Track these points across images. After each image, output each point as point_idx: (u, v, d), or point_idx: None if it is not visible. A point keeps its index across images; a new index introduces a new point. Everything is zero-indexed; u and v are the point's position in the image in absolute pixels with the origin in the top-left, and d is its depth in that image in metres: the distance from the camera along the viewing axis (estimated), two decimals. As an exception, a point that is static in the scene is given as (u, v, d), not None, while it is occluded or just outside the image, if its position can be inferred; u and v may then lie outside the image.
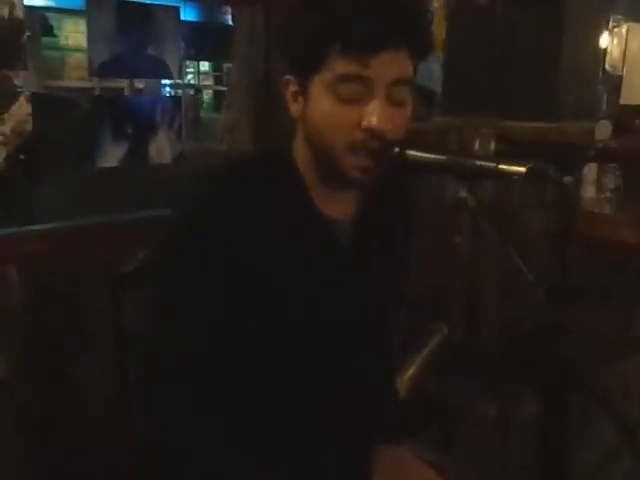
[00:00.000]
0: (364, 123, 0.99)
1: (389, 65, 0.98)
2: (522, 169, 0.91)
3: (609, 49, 3.68)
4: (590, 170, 2.91)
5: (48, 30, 7.35)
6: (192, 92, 7.96)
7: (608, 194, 2.85)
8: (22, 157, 1.83)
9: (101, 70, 1.95)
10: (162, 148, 2.09)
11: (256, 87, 2.46)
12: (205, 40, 7.98)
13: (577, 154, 0.84)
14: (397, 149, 1.01)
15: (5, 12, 1.79)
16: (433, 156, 1.00)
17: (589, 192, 2.89)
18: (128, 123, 2.01)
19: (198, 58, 8.00)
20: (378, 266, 1.17)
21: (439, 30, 4.61)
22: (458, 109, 2.99)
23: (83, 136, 2.00)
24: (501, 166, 0.93)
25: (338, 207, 1.12)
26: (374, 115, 0.98)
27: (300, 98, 1.03)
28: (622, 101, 3.55)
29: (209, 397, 1.05)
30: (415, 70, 1.03)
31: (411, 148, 1.01)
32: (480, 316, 2.29)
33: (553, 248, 2.12)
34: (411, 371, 1.89)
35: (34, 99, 1.86)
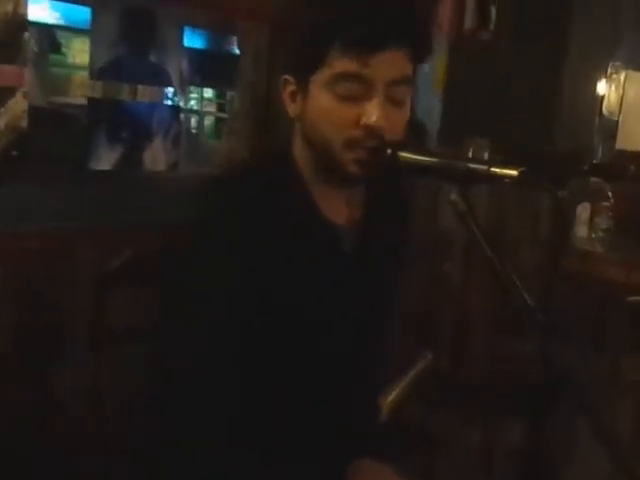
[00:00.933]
0: (362, 121, 0.98)
1: (388, 64, 0.98)
2: (514, 172, 0.90)
3: (607, 95, 3.73)
4: (584, 210, 2.92)
5: (56, 48, 7.45)
6: (195, 117, 8.04)
7: (600, 234, 2.86)
8: (15, 153, 1.82)
9: (101, 73, 1.95)
10: (157, 156, 2.09)
11: (256, 114, 2.49)
12: (210, 67, 8.10)
13: (572, 168, 0.83)
14: (389, 150, 1.00)
15: (9, 8, 1.80)
16: (425, 158, 0.99)
17: (582, 232, 2.90)
18: (124, 128, 2.01)
19: (202, 84, 8.11)
20: (379, 271, 1.16)
21: (440, 67, 4.68)
22: (455, 144, 3.01)
23: (80, 150, 2.00)
24: (493, 169, 0.91)
25: (341, 213, 1.11)
26: (373, 113, 0.98)
27: (298, 97, 1.03)
28: (618, 146, 3.59)
29: (211, 396, 1.02)
30: (415, 71, 1.03)
31: (403, 150, 0.99)
32: (467, 346, 2.26)
33: (544, 283, 2.11)
34: (393, 395, 1.87)
35: (36, 113, 1.86)
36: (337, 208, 1.10)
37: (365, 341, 1.17)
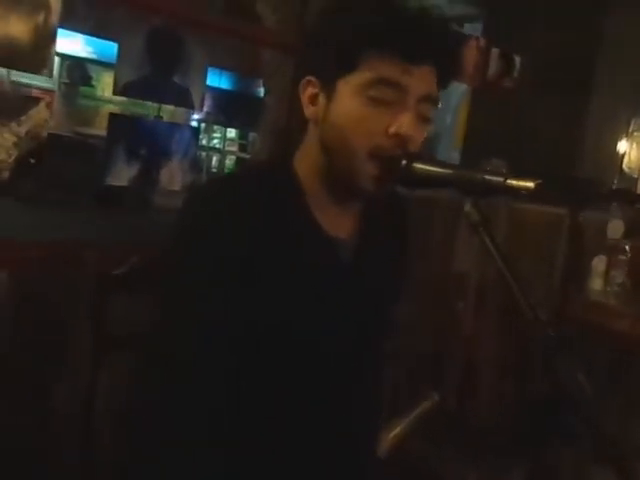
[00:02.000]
0: (392, 129, 0.97)
1: (424, 79, 0.99)
2: (530, 184, 0.88)
3: (627, 152, 3.73)
4: (600, 262, 2.87)
5: (86, 80, 7.62)
6: (217, 156, 8.17)
7: (615, 288, 2.81)
8: (32, 161, 1.84)
9: (125, 89, 1.98)
10: (174, 175, 2.09)
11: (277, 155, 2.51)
12: (235, 108, 8.21)
13: (591, 192, 0.81)
14: (404, 162, 0.98)
15: (41, 18, 1.83)
16: (441, 170, 0.97)
17: (597, 284, 2.85)
18: (142, 145, 2.02)
19: (226, 124, 8.23)
20: (377, 284, 1.14)
21: (461, 120, 4.71)
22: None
23: (98, 181, 2.02)
24: (509, 181, 0.90)
25: (338, 225, 1.09)
26: (404, 123, 0.97)
27: (320, 100, 1.02)
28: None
29: (209, 397, 1.00)
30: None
31: (418, 161, 0.98)
32: (475, 388, 2.21)
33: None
34: (395, 431, 1.83)
35: (62, 141, 1.88)
36: (335, 220, 1.08)
37: (362, 352, 1.14)
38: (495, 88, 2.87)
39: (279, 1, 3.38)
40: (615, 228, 3.11)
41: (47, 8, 1.82)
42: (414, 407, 1.97)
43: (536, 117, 3.34)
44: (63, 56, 6.66)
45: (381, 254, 1.15)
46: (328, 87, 1.00)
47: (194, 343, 1.00)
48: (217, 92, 7.24)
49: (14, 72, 2.25)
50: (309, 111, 1.03)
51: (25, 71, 1.80)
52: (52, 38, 1.82)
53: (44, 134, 1.85)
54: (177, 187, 2.09)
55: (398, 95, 0.97)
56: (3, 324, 1.62)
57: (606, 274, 2.84)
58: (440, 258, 2.72)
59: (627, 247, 2.84)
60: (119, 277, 1.36)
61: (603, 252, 2.92)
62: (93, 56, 7.70)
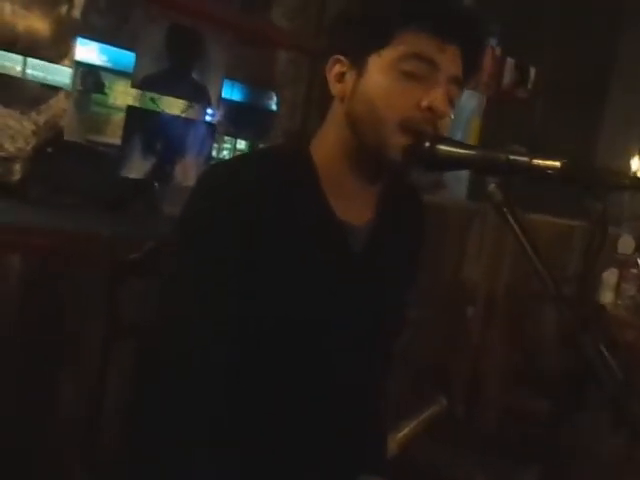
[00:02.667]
0: (424, 102, 0.98)
1: (455, 59, 1.01)
2: (557, 163, 0.87)
3: (639, 169, 3.72)
4: (611, 275, 2.87)
5: (99, 88, 7.67)
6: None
7: (627, 301, 2.80)
8: (50, 150, 1.84)
9: (144, 83, 1.99)
10: (188, 170, 2.10)
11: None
12: (246, 120, 8.25)
13: (613, 180, 0.81)
14: (428, 144, 0.98)
15: (64, 10, 1.85)
16: (465, 151, 0.97)
17: (608, 297, 2.84)
18: (158, 139, 2.02)
19: (236, 136, 8.27)
20: (389, 274, 1.12)
21: (474, 132, 4.71)
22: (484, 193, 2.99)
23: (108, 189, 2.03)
24: (535, 160, 0.89)
25: (355, 212, 1.08)
26: (437, 97, 0.98)
27: (348, 77, 1.02)
28: (648, 220, 3.55)
29: (210, 394, 0.99)
30: None
31: (442, 143, 0.98)
32: (482, 396, 2.19)
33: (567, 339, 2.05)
34: (403, 433, 1.82)
35: (74, 147, 1.90)
36: (351, 206, 1.07)
37: (371, 343, 1.13)
38: (509, 98, 2.88)
39: (295, 11, 3.41)
40: (626, 243, 3.11)
41: (70, 1, 1.84)
42: (422, 411, 1.96)
43: (548, 133, 3.34)
44: (77, 64, 6.72)
45: (396, 245, 1.14)
46: (358, 63, 1.01)
47: (201, 336, 0.99)
48: (228, 103, 7.28)
49: (29, 67, 2.26)
50: (336, 89, 1.04)
51: (47, 60, 1.82)
52: (74, 30, 1.84)
53: (62, 123, 1.86)
54: (191, 183, 2.09)
55: (430, 71, 0.99)
56: (16, 308, 1.61)
57: (617, 287, 2.83)
58: (450, 265, 2.72)
59: (639, 260, 2.83)
60: (135, 262, 1.36)
61: (614, 265, 2.91)
62: (107, 64, 7.77)
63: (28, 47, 1.79)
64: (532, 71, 2.92)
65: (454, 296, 2.56)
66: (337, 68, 1.03)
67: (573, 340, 0.78)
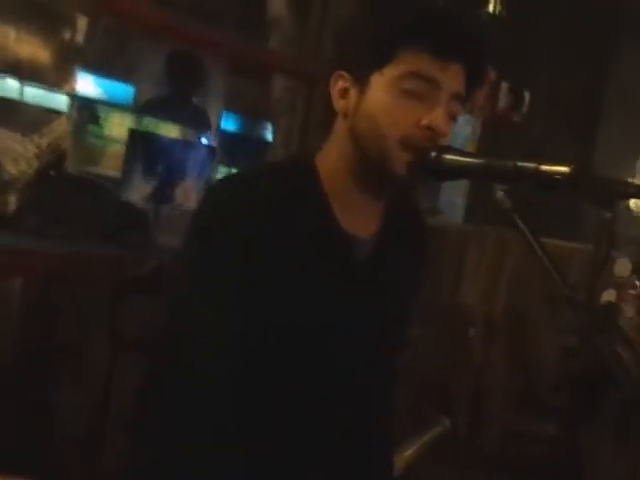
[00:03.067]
0: (424, 121, 0.99)
1: (457, 77, 1.02)
2: (565, 169, 0.88)
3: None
4: (609, 296, 2.87)
5: (95, 120, 7.71)
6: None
7: (626, 322, 2.80)
8: (52, 173, 1.85)
9: (145, 107, 2.00)
10: (189, 193, 2.11)
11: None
12: (241, 150, 8.30)
13: (618, 189, 0.81)
14: (434, 153, 0.99)
15: (67, 36, 1.87)
16: (471, 160, 0.98)
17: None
18: (159, 162, 2.04)
19: (231, 165, 8.32)
20: (392, 286, 1.13)
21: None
22: (480, 220, 3.02)
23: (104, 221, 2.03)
24: (543, 167, 0.90)
25: (360, 224, 1.09)
26: (437, 115, 0.99)
27: (352, 93, 1.04)
28: (644, 242, 3.57)
29: (215, 398, 0.99)
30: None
31: (448, 153, 0.99)
32: (484, 417, 2.18)
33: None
34: (407, 453, 1.81)
35: (69, 179, 1.91)
36: (357, 219, 1.08)
37: (374, 352, 1.13)
38: (504, 123, 2.91)
39: (292, 39, 3.46)
40: (622, 266, 3.12)
41: (73, 27, 1.86)
42: (425, 431, 1.95)
43: (543, 157, 3.37)
44: (74, 96, 6.78)
45: (399, 258, 1.14)
46: (361, 80, 1.02)
47: (203, 352, 0.99)
48: (223, 133, 7.34)
49: (26, 93, 2.27)
50: (339, 104, 1.05)
51: (48, 86, 1.83)
52: (76, 56, 1.86)
53: (64, 146, 1.87)
54: (192, 205, 2.10)
55: (431, 90, 1.00)
56: (18, 328, 1.61)
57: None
58: (448, 287, 2.72)
59: (638, 282, 2.83)
60: (138, 279, 1.36)
61: (612, 287, 2.91)
62: (103, 97, 7.83)
63: (30, 73, 1.80)
64: (526, 95, 2.96)
65: (452, 318, 2.56)
66: (340, 84, 1.05)
67: (583, 346, 0.78)
